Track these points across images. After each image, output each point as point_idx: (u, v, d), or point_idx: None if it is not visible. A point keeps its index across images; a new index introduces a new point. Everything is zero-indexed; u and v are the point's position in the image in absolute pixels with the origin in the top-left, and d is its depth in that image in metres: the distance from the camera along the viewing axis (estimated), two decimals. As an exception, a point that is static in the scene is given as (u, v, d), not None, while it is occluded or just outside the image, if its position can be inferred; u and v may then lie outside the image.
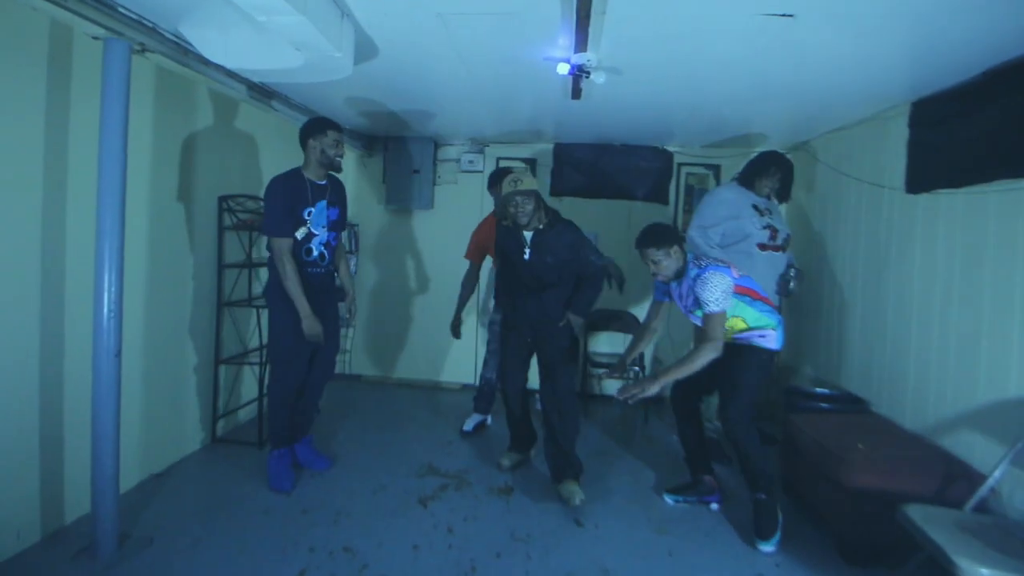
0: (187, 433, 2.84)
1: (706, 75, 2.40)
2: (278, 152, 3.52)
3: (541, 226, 2.55)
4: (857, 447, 2.26)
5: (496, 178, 3.14)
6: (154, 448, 2.59)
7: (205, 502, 2.40)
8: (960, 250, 2.30)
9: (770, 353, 2.35)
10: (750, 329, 2.30)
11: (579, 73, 2.15)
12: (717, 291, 2.16)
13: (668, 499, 2.59)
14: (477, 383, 3.47)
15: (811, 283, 3.56)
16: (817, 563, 2.15)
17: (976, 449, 2.14)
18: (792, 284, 3.05)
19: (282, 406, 2.54)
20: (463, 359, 4.30)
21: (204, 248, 2.88)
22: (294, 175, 2.45)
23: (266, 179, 3.35)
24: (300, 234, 2.40)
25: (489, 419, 3.43)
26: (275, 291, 2.43)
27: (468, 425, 3.36)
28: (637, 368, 3.60)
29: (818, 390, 3.02)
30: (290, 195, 2.38)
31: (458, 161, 4.14)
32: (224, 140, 3.00)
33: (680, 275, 2.32)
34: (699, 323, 2.33)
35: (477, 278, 3.34)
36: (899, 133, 2.66)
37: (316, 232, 2.45)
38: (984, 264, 2.16)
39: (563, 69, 2.15)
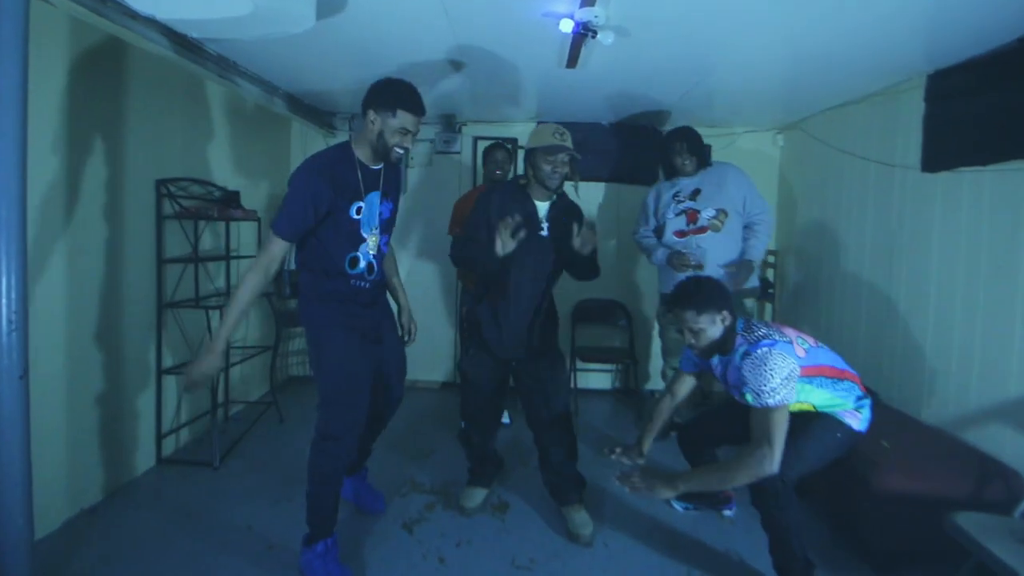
0: (125, 456, 2.43)
1: (723, 38, 2.14)
2: (227, 128, 3.09)
3: (555, 198, 2.13)
4: (880, 444, 2.10)
5: (490, 149, 3.08)
6: (84, 477, 2.19)
7: (147, 540, 2.03)
8: (988, 231, 2.14)
9: (848, 431, 1.81)
10: (817, 410, 1.83)
11: (584, 32, 1.86)
12: (776, 378, 1.56)
13: (677, 506, 2.38)
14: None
15: (810, 270, 3.42)
16: (843, 571, 1.98)
17: (1007, 445, 2.01)
18: (694, 261, 2.71)
19: (335, 469, 1.82)
20: (441, 355, 4.00)
21: (140, 240, 2.46)
22: (341, 155, 1.77)
23: (213, 160, 2.98)
24: (349, 240, 1.80)
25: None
26: (313, 309, 1.82)
27: None
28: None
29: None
30: (329, 186, 1.71)
31: (432, 142, 3.79)
32: (164, 114, 2.57)
33: (724, 349, 1.78)
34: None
35: None
36: (912, 108, 2.50)
37: (365, 236, 1.82)
38: (1018, 246, 2.01)
39: (566, 26, 1.85)
